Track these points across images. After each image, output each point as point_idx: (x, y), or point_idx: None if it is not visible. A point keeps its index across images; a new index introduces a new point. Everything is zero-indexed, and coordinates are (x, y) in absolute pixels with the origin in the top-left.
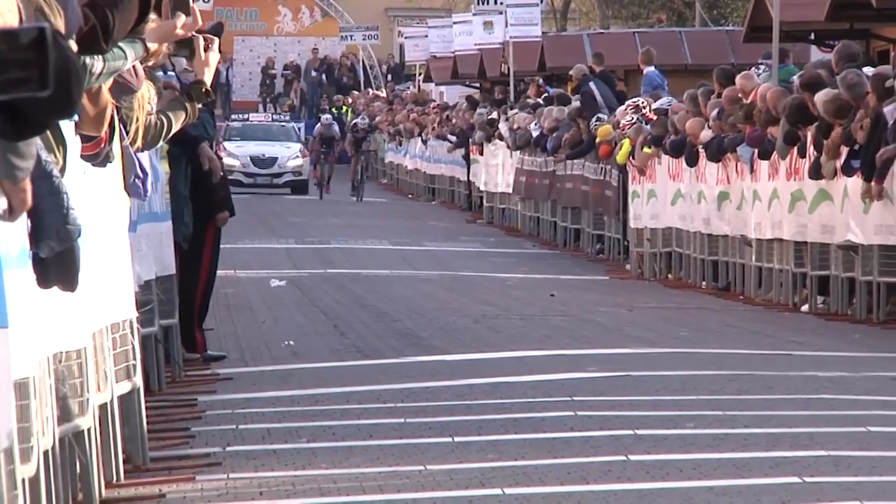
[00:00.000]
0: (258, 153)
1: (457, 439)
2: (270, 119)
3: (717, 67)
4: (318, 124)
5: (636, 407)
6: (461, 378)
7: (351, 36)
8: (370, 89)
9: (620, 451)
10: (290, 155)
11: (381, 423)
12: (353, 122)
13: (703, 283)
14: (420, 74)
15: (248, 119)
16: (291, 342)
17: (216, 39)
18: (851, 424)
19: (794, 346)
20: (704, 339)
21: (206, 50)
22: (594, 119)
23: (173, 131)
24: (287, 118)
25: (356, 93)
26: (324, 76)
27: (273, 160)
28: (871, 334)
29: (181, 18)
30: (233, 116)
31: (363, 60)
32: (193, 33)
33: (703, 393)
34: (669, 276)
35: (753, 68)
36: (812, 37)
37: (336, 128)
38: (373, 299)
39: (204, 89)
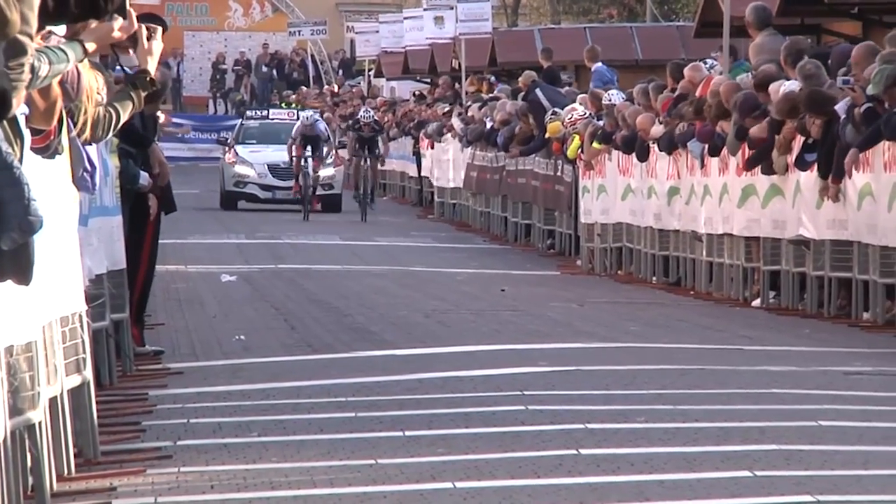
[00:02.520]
0: (278, 161)
1: (408, 433)
2: (294, 117)
3: (668, 62)
4: (299, 122)
5: (587, 401)
6: (412, 372)
7: (299, 31)
8: (322, 84)
9: (571, 444)
10: None
11: (332, 417)
12: (357, 115)
13: (654, 278)
14: (371, 69)
15: (266, 117)
16: (242, 337)
17: (159, 28)
18: (802, 419)
19: (745, 341)
20: (655, 334)
21: (149, 39)
22: (549, 113)
23: (122, 121)
24: (317, 115)
25: (305, 88)
26: (274, 71)
27: None
28: (822, 329)
29: (118, 21)
30: (248, 114)
31: (313, 56)
32: (137, 23)
33: (653, 387)
34: (620, 271)
35: (702, 61)
36: None
37: (323, 126)
38: (323, 294)
39: (149, 78)
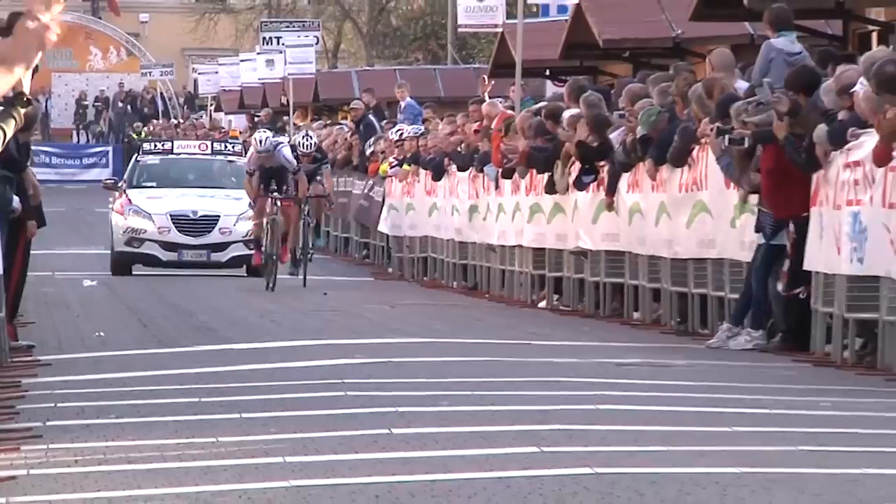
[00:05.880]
0: (185, 210)
1: (244, 415)
2: (210, 149)
3: (469, 99)
4: (252, 151)
5: (398, 388)
6: (247, 363)
7: (150, 72)
8: (168, 118)
9: (385, 425)
10: (242, 211)
11: (179, 402)
12: (290, 143)
13: (455, 283)
14: (212, 105)
15: (170, 150)
16: (101, 333)
17: None
18: (582, 403)
19: (533, 337)
20: (457, 331)
21: None
22: (374, 139)
23: (8, 137)
24: (239, 146)
25: (156, 121)
26: (128, 107)
27: (212, 221)
28: (599, 327)
29: None
30: (145, 147)
31: (162, 93)
32: None
33: (455, 376)
34: (426, 277)
35: (499, 100)
36: (548, 73)
37: (287, 154)
38: (174, 297)
39: (25, 98)
